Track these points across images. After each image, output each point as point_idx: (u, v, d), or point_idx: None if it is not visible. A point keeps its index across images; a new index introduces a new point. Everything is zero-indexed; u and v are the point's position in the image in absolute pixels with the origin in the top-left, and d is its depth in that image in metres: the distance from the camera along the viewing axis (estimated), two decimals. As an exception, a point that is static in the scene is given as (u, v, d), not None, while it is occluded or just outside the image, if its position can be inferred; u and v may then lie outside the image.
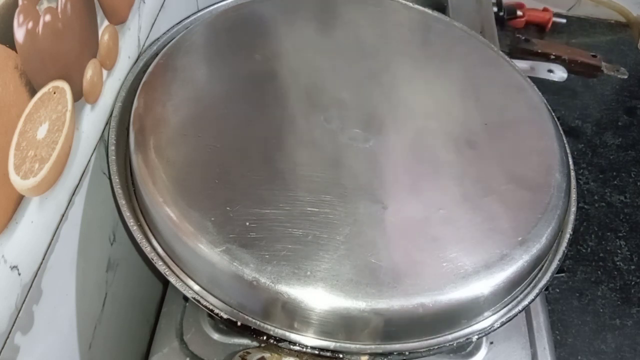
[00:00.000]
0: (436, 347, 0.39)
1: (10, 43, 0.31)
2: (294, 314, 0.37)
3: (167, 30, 0.54)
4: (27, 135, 0.33)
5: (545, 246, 0.42)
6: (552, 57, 0.80)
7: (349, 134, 0.45)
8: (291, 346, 0.38)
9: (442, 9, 0.81)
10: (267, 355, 0.39)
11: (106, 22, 0.42)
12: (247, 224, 0.38)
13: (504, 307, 0.41)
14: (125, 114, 0.46)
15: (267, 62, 0.50)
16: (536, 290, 0.42)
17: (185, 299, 0.48)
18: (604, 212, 0.79)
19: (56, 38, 0.36)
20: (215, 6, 0.57)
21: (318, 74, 0.51)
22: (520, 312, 0.41)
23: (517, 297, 0.42)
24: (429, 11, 0.60)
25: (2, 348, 0.33)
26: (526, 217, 0.42)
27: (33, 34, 0.33)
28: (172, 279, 0.40)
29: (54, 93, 0.36)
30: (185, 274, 0.40)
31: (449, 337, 0.39)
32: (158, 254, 0.41)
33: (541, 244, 0.41)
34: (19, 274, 0.34)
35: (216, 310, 0.39)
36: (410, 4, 0.60)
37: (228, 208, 0.39)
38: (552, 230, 0.42)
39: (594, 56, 0.82)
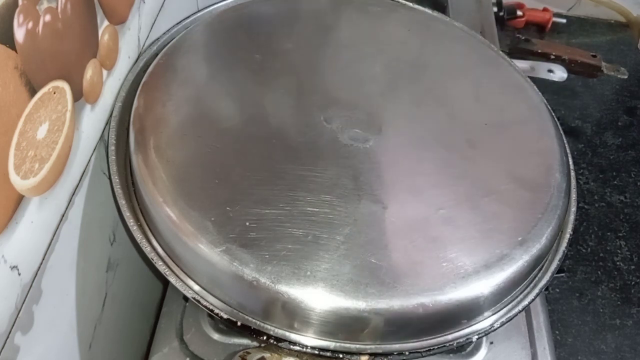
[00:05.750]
0: (436, 347, 0.39)
1: (10, 43, 0.31)
2: (294, 314, 0.37)
3: (167, 30, 0.54)
4: (27, 135, 0.33)
5: (545, 246, 0.42)
6: (552, 57, 0.80)
7: (349, 134, 0.45)
8: (291, 346, 0.38)
9: (442, 9, 0.81)
10: (267, 355, 0.39)
11: (106, 22, 0.42)
12: (247, 224, 0.38)
13: (504, 307, 0.41)
14: (125, 114, 0.46)
15: (267, 62, 0.50)
16: (536, 290, 0.42)
17: (185, 299, 0.48)
18: (604, 212, 0.79)
19: (56, 38, 0.36)
20: (215, 6, 0.57)
21: (318, 74, 0.51)
22: (520, 312, 0.41)
23: (517, 297, 0.42)
24: (429, 11, 0.60)
25: (2, 348, 0.33)
26: (526, 217, 0.42)
27: (33, 34, 0.33)
28: (172, 279, 0.40)
29: (54, 93, 0.36)
30: (185, 274, 0.40)
31: (449, 337, 0.39)
32: (158, 254, 0.41)
33: (541, 244, 0.41)
34: (19, 274, 0.34)
35: (216, 310, 0.39)
36: (410, 4, 0.60)
37: (228, 208, 0.39)
38: (552, 230, 0.42)
39: (594, 56, 0.82)
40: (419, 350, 0.39)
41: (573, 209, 0.47)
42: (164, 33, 0.54)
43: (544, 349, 0.48)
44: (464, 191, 0.43)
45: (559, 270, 0.44)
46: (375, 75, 0.51)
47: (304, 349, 0.38)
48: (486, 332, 0.40)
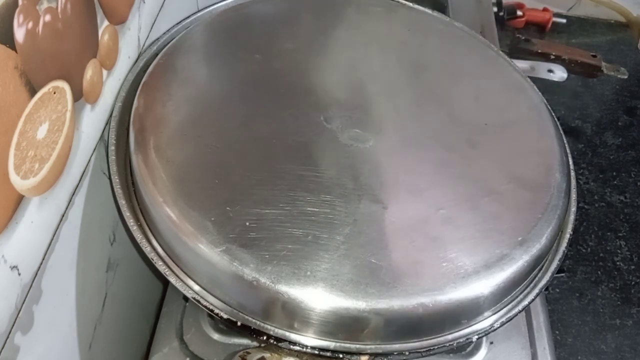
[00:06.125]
0: (436, 347, 0.39)
1: (10, 43, 0.31)
2: (294, 314, 0.37)
3: (167, 30, 0.54)
4: (27, 135, 0.33)
5: (545, 246, 0.42)
6: (552, 57, 0.80)
7: (349, 134, 0.45)
8: (291, 346, 0.38)
9: (442, 9, 0.81)
10: (267, 355, 0.39)
11: (106, 22, 0.42)
12: (247, 224, 0.38)
13: (504, 307, 0.41)
14: (125, 114, 0.46)
15: (267, 62, 0.50)
16: (536, 290, 0.42)
17: (185, 299, 0.48)
18: (604, 212, 0.79)
19: (56, 38, 0.36)
20: (215, 6, 0.57)
21: (318, 74, 0.51)
22: (520, 312, 0.41)
23: (517, 297, 0.42)
24: (429, 11, 0.60)
25: (2, 348, 0.33)
26: (526, 217, 0.42)
27: (33, 34, 0.33)
28: (172, 279, 0.40)
29: (54, 93, 0.36)
30: (185, 274, 0.40)
31: (449, 337, 0.39)
32: (158, 254, 0.41)
33: (541, 244, 0.41)
34: (19, 274, 0.34)
35: (216, 310, 0.39)
36: (410, 4, 0.60)
37: (228, 208, 0.39)
38: (552, 230, 0.42)
39: (594, 56, 0.82)
40: (419, 350, 0.39)
41: (573, 209, 0.47)
42: (164, 33, 0.54)
43: (544, 349, 0.48)
44: (464, 191, 0.43)
45: (559, 270, 0.44)
46: (375, 75, 0.51)
47: (304, 349, 0.38)
48: (486, 332, 0.40)
